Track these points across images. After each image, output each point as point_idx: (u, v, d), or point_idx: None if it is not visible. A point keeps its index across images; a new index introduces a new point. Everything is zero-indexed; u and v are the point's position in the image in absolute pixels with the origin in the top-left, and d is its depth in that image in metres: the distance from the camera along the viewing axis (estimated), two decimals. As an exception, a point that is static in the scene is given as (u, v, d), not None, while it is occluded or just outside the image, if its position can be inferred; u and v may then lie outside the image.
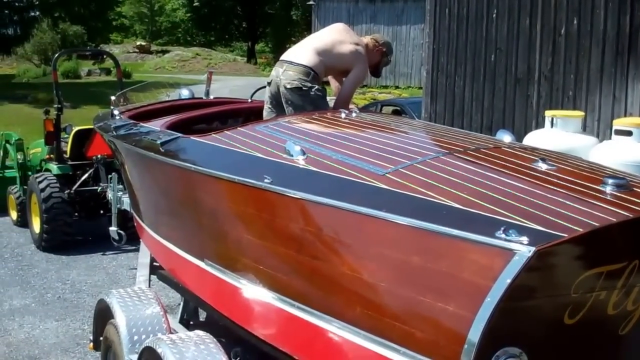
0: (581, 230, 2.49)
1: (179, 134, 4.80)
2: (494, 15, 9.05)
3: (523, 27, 8.64)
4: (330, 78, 5.91)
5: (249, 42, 53.43)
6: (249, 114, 6.16)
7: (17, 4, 37.95)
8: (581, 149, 5.98)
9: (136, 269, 5.98)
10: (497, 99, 9.09)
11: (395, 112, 12.70)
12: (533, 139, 6.62)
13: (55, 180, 9.46)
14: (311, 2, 30.44)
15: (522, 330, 2.55)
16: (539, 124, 8.04)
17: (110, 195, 7.72)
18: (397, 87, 26.78)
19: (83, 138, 9.93)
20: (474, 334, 2.46)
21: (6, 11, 36.55)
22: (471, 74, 9.47)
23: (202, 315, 5.61)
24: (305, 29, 34.66)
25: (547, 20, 8.31)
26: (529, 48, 8.56)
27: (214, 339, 3.84)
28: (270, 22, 52.66)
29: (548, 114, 6.81)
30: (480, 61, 9.31)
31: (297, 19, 45.57)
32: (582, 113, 7.23)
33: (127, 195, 6.89)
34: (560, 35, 8.15)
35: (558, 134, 6.53)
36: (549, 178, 3.05)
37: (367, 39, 5.79)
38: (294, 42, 5.72)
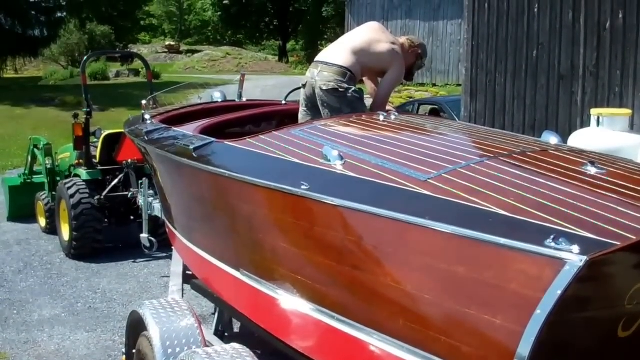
0: (634, 237, 2.39)
1: (212, 139, 4.74)
2: (536, 10, 8.97)
3: (566, 22, 8.53)
4: (365, 79, 5.80)
5: (281, 41, 53.42)
6: (283, 117, 6.12)
7: (43, 5, 37.77)
8: (628, 149, 5.93)
9: (168, 277, 5.90)
10: (539, 96, 8.97)
11: (434, 111, 12.60)
12: (578, 138, 6.52)
13: (84, 186, 9.33)
14: (345, -2, 30.27)
15: (573, 343, 2.49)
16: (584, 123, 7.96)
17: (141, 201, 7.65)
18: (434, 85, 26.53)
19: (113, 142, 9.80)
20: (524, 349, 2.39)
21: (33, 12, 36.52)
22: (512, 70, 9.36)
23: (237, 326, 5.49)
24: (337, 26, 34.60)
25: (591, 13, 8.20)
26: (573, 43, 8.47)
27: (251, 352, 3.75)
28: (302, 20, 52.67)
29: (594, 112, 6.72)
30: (521, 57, 9.21)
31: (329, 15, 45.49)
32: (629, 111, 7.14)
33: (158, 201, 6.85)
34: (605, 29, 8.01)
35: (604, 133, 6.47)
36: (599, 183, 2.97)
37: (402, 39, 5.70)
38: (327, 40, 5.60)
